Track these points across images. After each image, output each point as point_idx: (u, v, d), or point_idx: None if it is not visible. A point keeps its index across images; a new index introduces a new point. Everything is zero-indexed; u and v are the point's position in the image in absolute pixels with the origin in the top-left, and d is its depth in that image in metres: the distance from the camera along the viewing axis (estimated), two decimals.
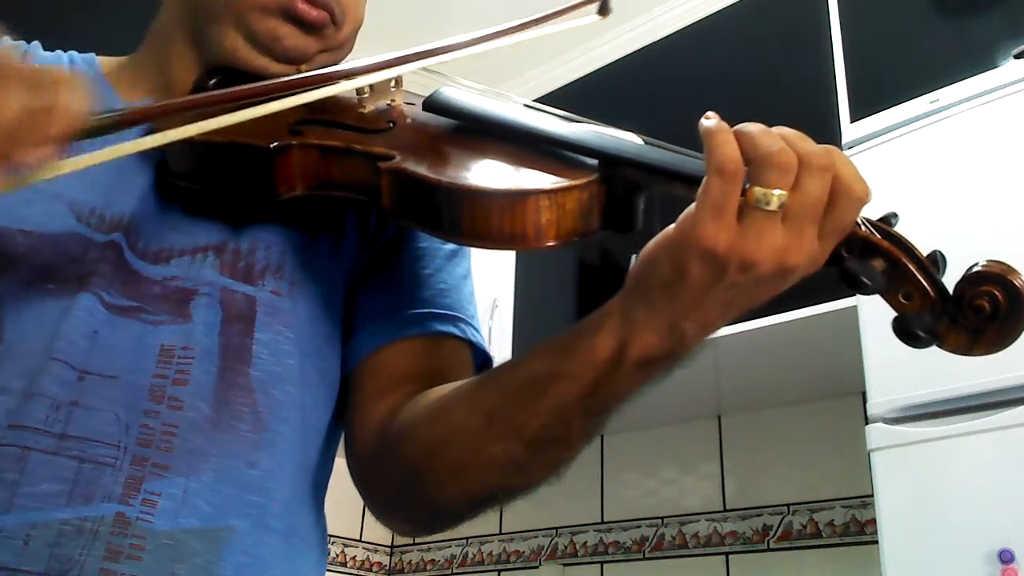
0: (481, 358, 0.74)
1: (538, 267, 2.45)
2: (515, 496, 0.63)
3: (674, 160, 0.54)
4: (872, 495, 1.40)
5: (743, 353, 1.90)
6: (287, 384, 0.65)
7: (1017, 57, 1.55)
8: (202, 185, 0.67)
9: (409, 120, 0.67)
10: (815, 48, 1.96)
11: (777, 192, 0.47)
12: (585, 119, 0.63)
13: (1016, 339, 0.49)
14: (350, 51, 0.77)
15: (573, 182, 0.55)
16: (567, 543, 2.50)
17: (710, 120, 0.49)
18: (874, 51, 1.86)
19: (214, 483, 0.60)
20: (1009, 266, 0.49)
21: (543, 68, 2.75)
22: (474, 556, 2.70)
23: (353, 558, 2.81)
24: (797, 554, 2.05)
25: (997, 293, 0.48)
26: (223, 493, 0.60)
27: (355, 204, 0.72)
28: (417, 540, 2.89)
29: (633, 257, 0.53)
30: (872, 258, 0.50)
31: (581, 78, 2.62)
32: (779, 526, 2.10)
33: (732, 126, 0.49)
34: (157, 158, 0.69)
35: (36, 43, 0.77)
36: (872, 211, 0.52)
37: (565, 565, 2.46)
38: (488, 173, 0.58)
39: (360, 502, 0.69)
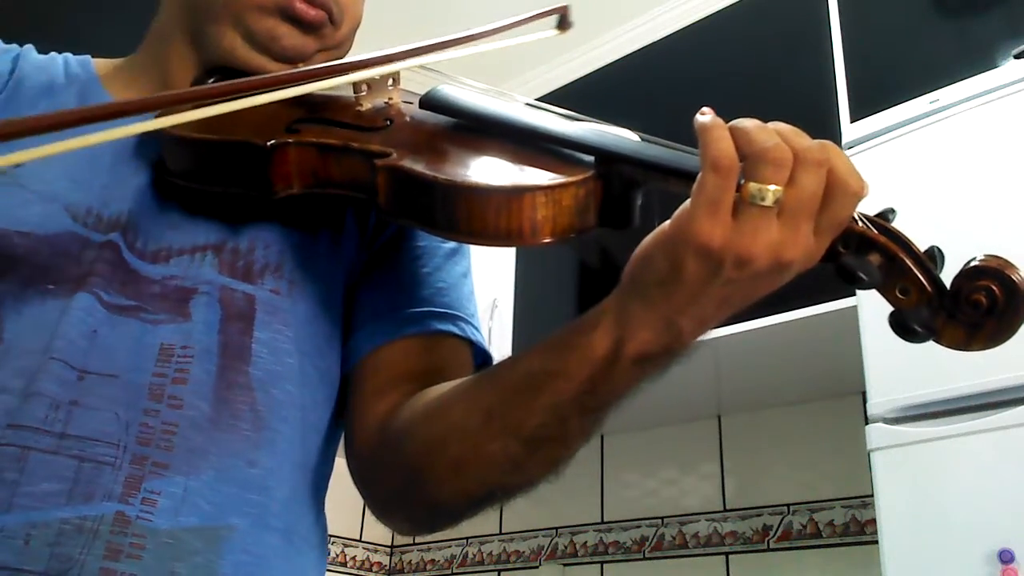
0: (481, 357, 0.74)
1: (538, 267, 2.45)
2: (514, 494, 0.63)
3: (670, 156, 0.54)
4: (872, 495, 1.40)
5: (743, 353, 1.90)
6: (286, 383, 0.65)
7: (1017, 57, 1.55)
8: (199, 183, 0.67)
9: (407, 118, 0.67)
10: (815, 48, 1.97)
11: (772, 187, 0.47)
12: (583, 117, 0.63)
13: (1013, 334, 0.49)
14: (348, 51, 0.77)
15: (570, 178, 0.55)
16: (567, 543, 2.50)
17: (705, 116, 0.49)
18: (874, 51, 1.86)
19: (214, 482, 0.59)
20: (1007, 261, 0.49)
21: (543, 68, 2.75)
22: (474, 556, 2.70)
23: (353, 558, 2.81)
24: (797, 554, 2.05)
25: (994, 288, 0.48)
26: (223, 492, 0.60)
27: (353, 202, 0.73)
28: (417, 540, 2.89)
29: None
30: (869, 253, 0.50)
31: (581, 78, 2.62)
32: (779, 526, 2.10)
33: (728, 122, 0.49)
34: (154, 158, 0.69)
35: (29, 46, 0.76)
36: (871, 211, 0.52)
37: (565, 565, 2.46)
38: (485, 170, 0.58)
39: (360, 502, 0.69)
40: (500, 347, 2.29)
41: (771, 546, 2.10)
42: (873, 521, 1.49)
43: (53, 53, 0.77)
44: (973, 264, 0.49)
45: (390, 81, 0.69)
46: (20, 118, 0.43)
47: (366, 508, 0.70)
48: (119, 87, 0.75)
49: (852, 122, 1.77)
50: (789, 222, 0.48)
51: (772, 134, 0.48)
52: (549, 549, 2.53)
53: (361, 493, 0.70)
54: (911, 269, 0.50)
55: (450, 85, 0.68)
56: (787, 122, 0.50)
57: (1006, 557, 1.20)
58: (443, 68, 0.70)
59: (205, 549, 0.58)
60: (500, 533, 2.67)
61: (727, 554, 2.17)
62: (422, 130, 0.65)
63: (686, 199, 0.49)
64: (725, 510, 2.22)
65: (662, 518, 2.33)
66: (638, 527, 2.37)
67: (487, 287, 2.40)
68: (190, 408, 0.60)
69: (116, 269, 0.63)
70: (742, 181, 0.47)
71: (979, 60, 1.62)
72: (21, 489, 0.54)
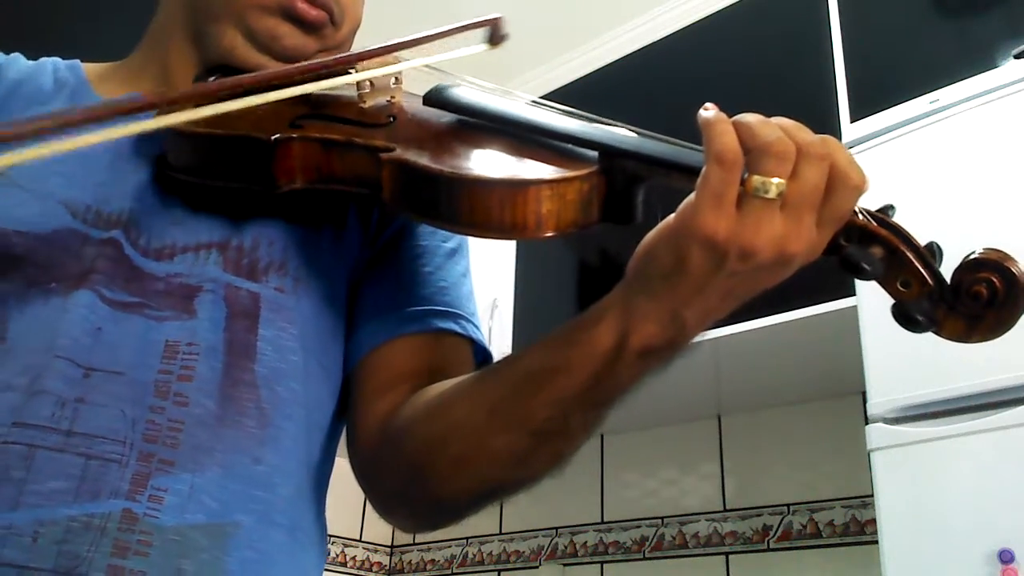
0: (481, 355, 0.75)
1: (538, 267, 2.45)
2: (517, 490, 0.63)
3: (673, 152, 0.55)
4: (872, 495, 1.40)
5: (743, 353, 1.91)
6: (291, 380, 0.66)
7: (1017, 57, 1.55)
8: (202, 178, 0.67)
9: (410, 115, 0.67)
10: (815, 48, 1.97)
11: (776, 180, 0.48)
12: (586, 114, 0.63)
13: (1013, 325, 0.49)
14: (348, 51, 0.78)
15: (574, 173, 0.55)
16: (567, 543, 2.50)
17: (708, 111, 0.49)
18: (874, 51, 1.87)
19: (220, 479, 0.60)
20: (1006, 253, 0.50)
21: (544, 68, 2.76)
22: (474, 556, 2.70)
23: (353, 558, 2.81)
24: (797, 554, 2.05)
25: (994, 280, 0.49)
26: (229, 489, 0.60)
27: (356, 198, 0.73)
28: (417, 540, 2.89)
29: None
30: (870, 246, 0.51)
31: (581, 78, 2.62)
32: (779, 526, 2.10)
33: (730, 117, 0.49)
34: (154, 154, 0.69)
35: (16, 54, 0.76)
36: (870, 208, 0.53)
37: (565, 565, 2.46)
38: (489, 163, 0.59)
39: (360, 502, 0.70)
40: (500, 346, 2.30)
41: (771, 546, 2.10)
42: (873, 521, 1.49)
43: (43, 58, 0.77)
44: (973, 257, 0.50)
45: (393, 80, 0.69)
46: (24, 118, 0.43)
47: (366, 508, 0.70)
48: (112, 89, 0.75)
49: (852, 122, 1.77)
50: (792, 214, 0.48)
51: (775, 128, 0.48)
52: (549, 549, 2.53)
53: (363, 490, 0.70)
54: (912, 262, 0.50)
55: (454, 83, 0.69)
56: None
57: (1006, 557, 1.20)
58: (445, 67, 0.70)
59: (211, 546, 0.58)
60: (500, 533, 2.67)
61: (727, 554, 2.17)
62: (425, 126, 0.66)
63: (687, 195, 0.50)
64: (725, 510, 2.22)
65: (662, 518, 2.33)
66: (638, 527, 2.37)
67: (487, 287, 2.40)
68: (196, 405, 0.61)
69: (118, 266, 0.63)
70: (745, 175, 0.48)
71: (979, 60, 1.62)
72: (28, 487, 0.54)
